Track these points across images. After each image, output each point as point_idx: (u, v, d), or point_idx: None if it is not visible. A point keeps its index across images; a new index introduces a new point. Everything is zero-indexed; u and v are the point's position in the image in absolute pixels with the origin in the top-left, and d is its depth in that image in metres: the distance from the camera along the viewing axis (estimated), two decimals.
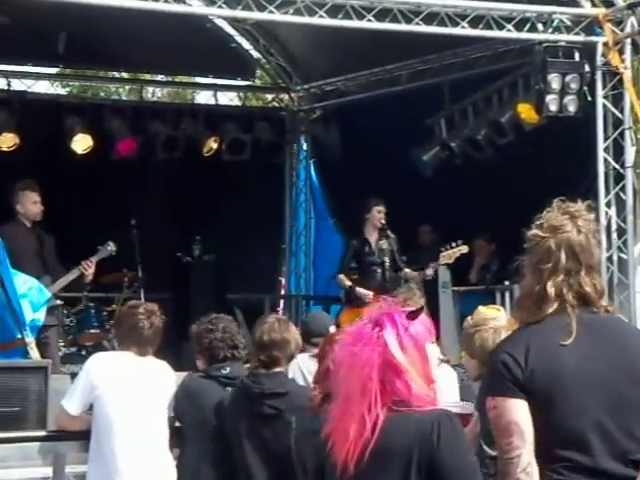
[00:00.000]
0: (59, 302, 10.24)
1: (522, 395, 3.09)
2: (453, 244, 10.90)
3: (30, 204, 9.78)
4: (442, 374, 4.29)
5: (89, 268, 9.61)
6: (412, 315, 2.83)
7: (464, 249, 10.93)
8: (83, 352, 11.02)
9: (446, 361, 6.36)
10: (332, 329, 6.78)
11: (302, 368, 6.50)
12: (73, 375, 8.72)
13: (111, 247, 9.89)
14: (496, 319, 5.44)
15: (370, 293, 10.82)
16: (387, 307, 2.86)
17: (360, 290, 10.96)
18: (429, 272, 10.94)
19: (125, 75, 16.83)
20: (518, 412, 3.08)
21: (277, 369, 5.43)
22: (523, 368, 3.10)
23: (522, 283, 3.31)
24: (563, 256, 3.26)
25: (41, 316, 8.25)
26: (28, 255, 9.79)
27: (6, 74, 13.14)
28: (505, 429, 3.06)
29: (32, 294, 8.13)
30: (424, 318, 2.85)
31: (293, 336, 5.50)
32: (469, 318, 7.19)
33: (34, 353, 7.70)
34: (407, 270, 11.21)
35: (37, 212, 9.80)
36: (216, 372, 5.68)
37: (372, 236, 11.31)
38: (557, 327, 3.18)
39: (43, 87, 14.43)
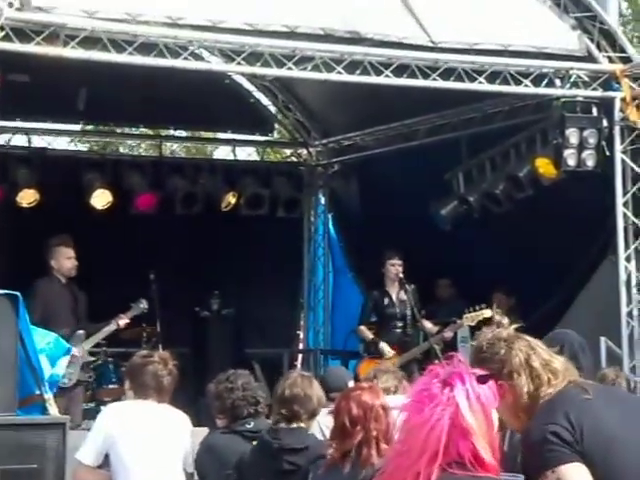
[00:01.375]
0: (92, 358, 10.32)
1: (579, 458, 3.12)
2: (477, 307, 10.91)
3: (64, 259, 9.96)
4: None
5: (122, 324, 9.78)
6: (481, 379, 2.79)
7: (487, 313, 10.94)
8: (102, 407, 10.97)
9: None
10: (350, 384, 6.75)
11: (320, 424, 6.47)
12: None
13: (143, 304, 10.10)
14: None
15: (392, 351, 10.83)
16: (456, 367, 2.82)
17: (383, 346, 10.95)
18: (448, 335, 10.95)
19: (144, 131, 16.96)
20: (581, 475, 3.10)
21: (298, 424, 5.39)
22: (572, 431, 3.12)
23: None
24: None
25: (60, 370, 8.23)
26: (63, 310, 9.91)
27: (27, 131, 13.27)
28: None
29: (50, 348, 8.12)
30: (491, 384, 2.81)
31: (316, 392, 5.46)
32: None
33: (53, 409, 7.67)
34: (427, 324, 11.20)
35: (71, 267, 9.97)
36: (240, 427, 5.64)
37: (392, 289, 11.33)
38: (575, 392, 3.21)
39: (63, 143, 14.56)
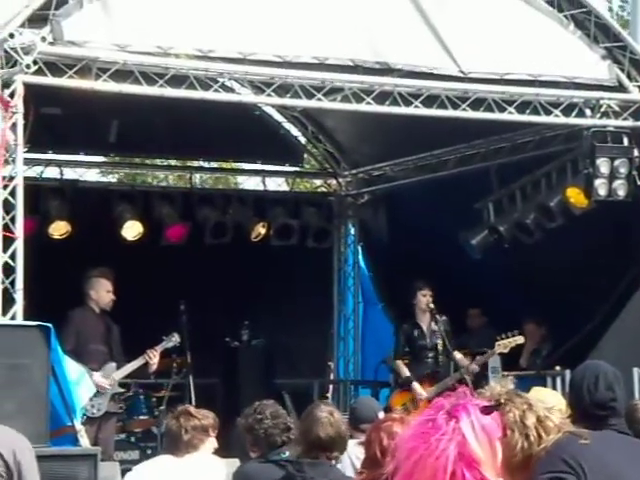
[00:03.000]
0: (122, 390, 10.35)
1: None
2: (509, 334, 10.85)
3: (104, 292, 10.12)
4: None
5: (154, 357, 9.80)
6: (486, 410, 2.81)
7: (520, 340, 10.89)
8: (132, 439, 11.00)
9: None
10: (380, 415, 6.71)
11: (350, 455, 6.43)
12: (122, 462, 8.72)
13: (175, 338, 10.16)
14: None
15: (424, 393, 10.79)
16: (461, 398, 2.83)
17: (415, 386, 10.91)
18: (474, 368, 10.87)
19: (173, 162, 17.05)
20: None
21: (322, 460, 5.35)
22: (573, 472, 3.10)
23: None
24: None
25: (83, 402, 8.28)
26: (95, 341, 9.99)
27: (59, 163, 13.37)
28: None
29: (84, 382, 8.17)
30: (495, 415, 2.83)
31: (345, 425, 5.41)
32: None
33: (84, 440, 7.70)
34: (457, 355, 11.15)
35: (109, 302, 10.15)
36: (275, 456, 5.62)
37: (422, 320, 11.29)
38: (571, 439, 3.21)
39: (94, 175, 14.64)
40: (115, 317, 10.64)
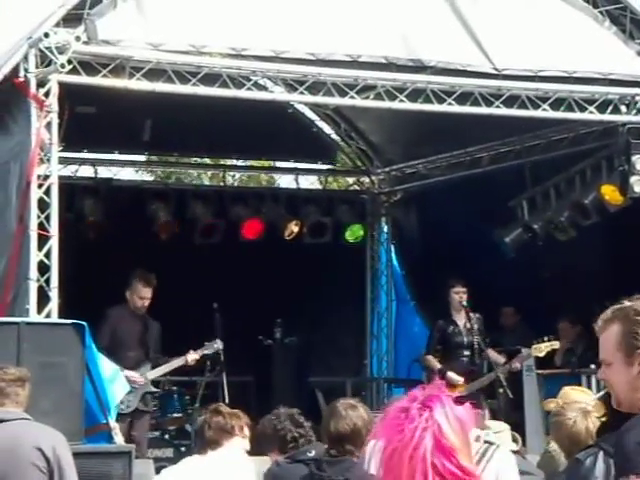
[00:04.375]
0: (155, 390, 10.39)
1: None
2: (545, 338, 10.81)
3: (137, 297, 10.20)
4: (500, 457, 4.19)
5: (192, 361, 9.86)
6: (458, 400, 2.84)
7: (556, 345, 10.85)
8: (166, 436, 11.04)
9: (516, 452, 6.21)
10: None
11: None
12: (156, 460, 8.76)
13: (218, 345, 10.21)
14: (574, 407, 5.37)
15: (461, 379, 10.75)
16: (434, 390, 2.86)
17: (451, 375, 10.87)
18: (515, 366, 10.84)
19: (207, 161, 17.10)
20: None
21: (352, 455, 5.34)
22: None
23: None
24: None
25: (116, 401, 8.32)
26: (131, 339, 10.05)
27: (93, 162, 13.44)
28: None
29: (118, 380, 8.20)
30: (467, 405, 2.86)
31: (363, 421, 5.36)
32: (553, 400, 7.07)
33: (119, 438, 7.73)
34: (493, 353, 11.10)
35: (139, 307, 10.20)
36: (302, 456, 5.62)
37: (458, 317, 11.25)
38: None
39: (128, 173, 14.71)
40: (152, 316, 10.69)
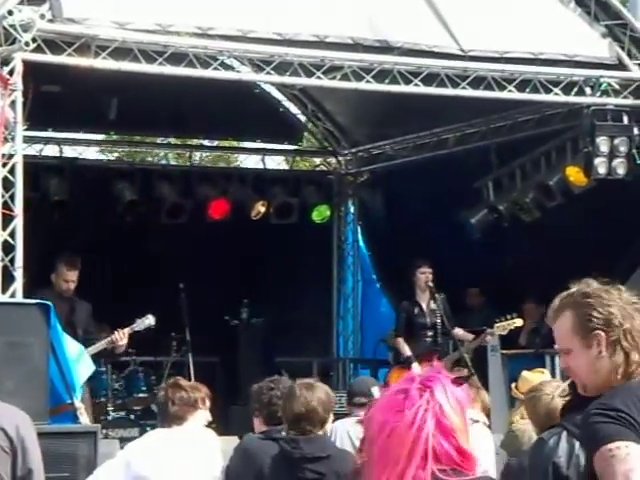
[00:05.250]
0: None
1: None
2: (508, 316, 10.86)
3: (61, 280, 9.87)
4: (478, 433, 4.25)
5: (121, 339, 9.46)
6: (457, 381, 2.84)
7: (518, 322, 10.91)
8: (132, 416, 11.03)
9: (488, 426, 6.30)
10: (374, 390, 6.74)
11: (350, 433, 6.46)
12: (122, 440, 8.75)
13: (149, 320, 9.74)
14: (551, 384, 5.43)
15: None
16: (433, 371, 2.86)
17: (416, 367, 10.91)
18: (489, 339, 10.90)
19: (173, 140, 17.03)
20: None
21: (314, 434, 5.38)
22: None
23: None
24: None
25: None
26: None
27: (58, 141, 13.36)
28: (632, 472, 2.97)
29: (83, 360, 8.17)
30: (465, 386, 2.86)
31: (319, 401, 5.39)
32: (515, 384, 7.15)
33: (84, 418, 7.72)
34: (458, 330, 11.15)
35: (64, 290, 9.86)
36: (277, 434, 5.63)
37: (422, 298, 11.29)
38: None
39: (93, 153, 14.62)
40: (111, 296, 10.59)
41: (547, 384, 5.52)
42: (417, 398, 2.75)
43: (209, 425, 5.94)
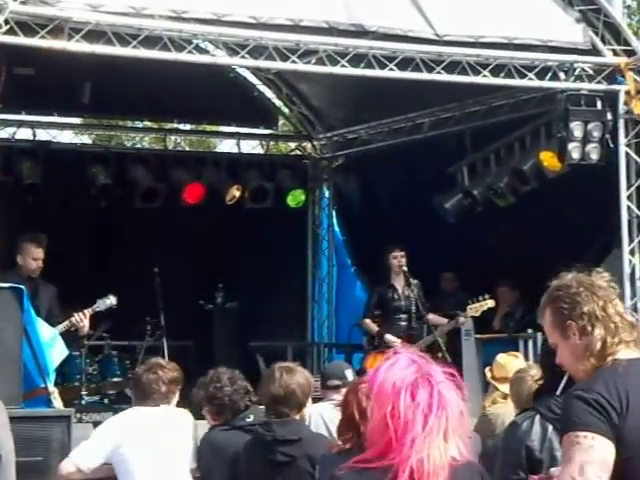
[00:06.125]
0: None
1: (613, 439, 3.08)
2: (480, 297, 10.91)
3: (30, 259, 9.41)
4: None
5: (82, 321, 9.19)
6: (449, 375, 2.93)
7: (491, 303, 10.96)
8: (105, 400, 11.01)
9: None
10: (348, 372, 6.76)
11: (324, 417, 6.48)
12: (96, 424, 8.73)
13: (110, 300, 9.53)
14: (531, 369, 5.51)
15: (398, 340, 10.82)
16: (430, 364, 2.96)
17: (389, 337, 10.96)
18: (462, 320, 10.95)
19: (148, 124, 16.97)
20: (609, 453, 3.07)
21: (290, 417, 5.40)
22: (619, 412, 3.08)
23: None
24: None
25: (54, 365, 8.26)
26: None
27: (32, 124, 13.27)
28: (600, 463, 3.04)
29: (57, 344, 8.15)
30: (459, 380, 2.95)
31: (298, 385, 5.42)
32: (489, 369, 7.20)
33: (57, 402, 7.70)
34: (432, 316, 11.20)
35: (35, 269, 9.42)
36: (241, 422, 5.65)
37: (397, 282, 11.32)
38: (634, 370, 3.19)
39: (68, 137, 14.54)
40: (84, 279, 10.52)
41: (534, 367, 5.58)
42: (427, 385, 2.91)
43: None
